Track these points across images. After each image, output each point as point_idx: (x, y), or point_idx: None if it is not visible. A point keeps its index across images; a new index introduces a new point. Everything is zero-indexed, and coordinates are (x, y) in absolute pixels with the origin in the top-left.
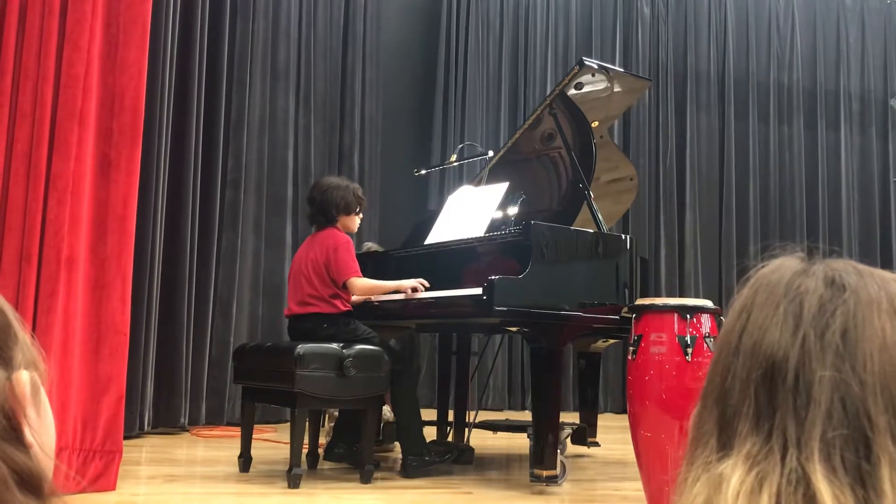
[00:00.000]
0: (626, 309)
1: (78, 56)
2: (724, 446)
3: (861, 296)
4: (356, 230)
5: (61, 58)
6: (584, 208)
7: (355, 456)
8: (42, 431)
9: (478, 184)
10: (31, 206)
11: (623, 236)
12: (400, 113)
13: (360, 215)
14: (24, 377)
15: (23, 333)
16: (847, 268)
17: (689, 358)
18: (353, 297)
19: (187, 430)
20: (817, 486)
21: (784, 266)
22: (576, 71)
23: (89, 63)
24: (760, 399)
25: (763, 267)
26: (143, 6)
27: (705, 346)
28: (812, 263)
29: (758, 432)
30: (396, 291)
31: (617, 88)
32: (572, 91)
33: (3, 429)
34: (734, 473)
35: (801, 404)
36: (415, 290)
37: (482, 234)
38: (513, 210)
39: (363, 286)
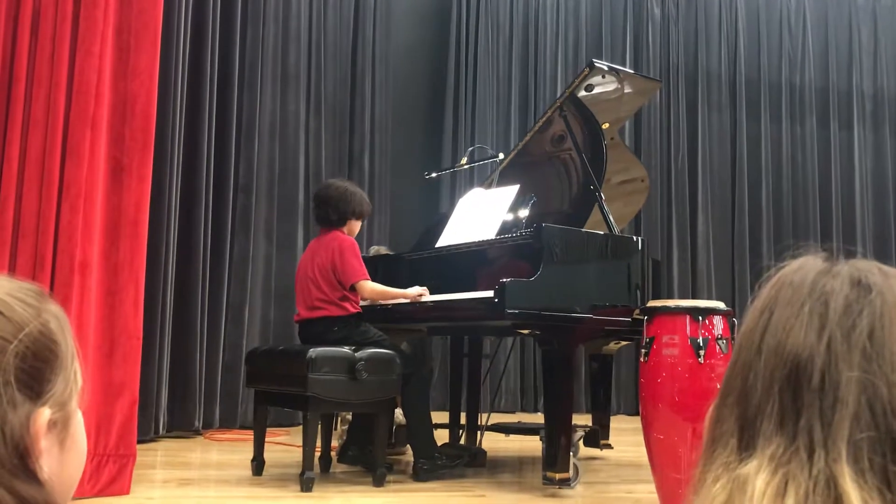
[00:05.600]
0: (638, 311)
1: (90, 62)
2: (747, 447)
3: (887, 297)
4: (355, 236)
5: (74, 64)
6: (596, 210)
7: (368, 459)
8: (66, 465)
9: (488, 186)
10: (45, 212)
11: (635, 238)
12: (410, 115)
13: (362, 222)
14: (43, 415)
15: (74, 363)
16: (872, 268)
17: (701, 360)
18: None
19: (201, 434)
20: (845, 489)
21: (807, 265)
22: (586, 72)
23: (101, 69)
24: (785, 399)
25: (785, 265)
26: (155, 12)
27: (717, 348)
28: (836, 263)
29: (782, 433)
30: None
31: (627, 90)
32: (582, 93)
33: (15, 466)
34: (759, 475)
35: (827, 405)
36: (419, 296)
37: (493, 237)
38: (524, 212)
39: (372, 290)
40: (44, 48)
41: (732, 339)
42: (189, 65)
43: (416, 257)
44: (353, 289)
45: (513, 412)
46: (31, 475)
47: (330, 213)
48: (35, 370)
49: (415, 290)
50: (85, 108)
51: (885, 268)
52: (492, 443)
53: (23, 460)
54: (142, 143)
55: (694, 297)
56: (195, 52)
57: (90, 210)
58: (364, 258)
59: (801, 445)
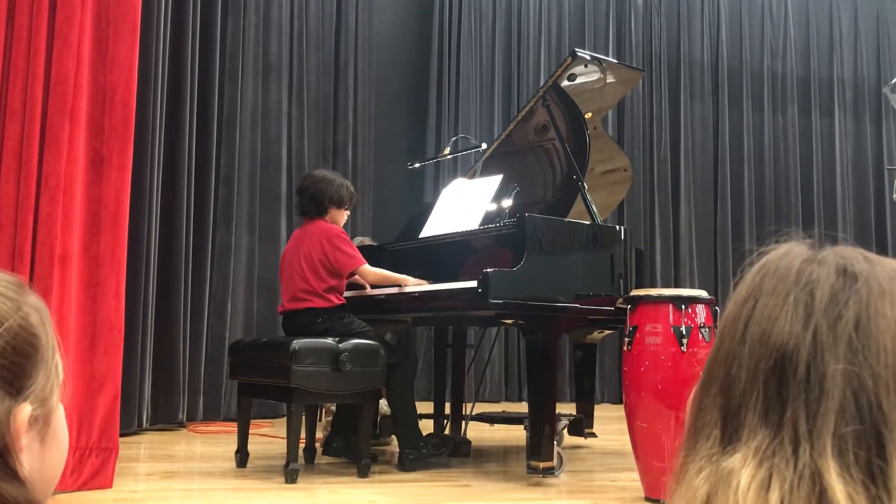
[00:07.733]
0: (621, 300)
1: (68, 53)
2: (731, 439)
3: (873, 286)
4: (342, 226)
5: (51, 55)
6: (579, 200)
7: (353, 450)
8: (47, 461)
9: (472, 176)
10: (24, 204)
11: (618, 227)
12: (394, 106)
13: (348, 212)
14: (24, 411)
15: (55, 357)
16: (857, 256)
17: (684, 348)
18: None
19: (185, 427)
20: (830, 484)
21: (792, 252)
22: (568, 62)
23: (79, 60)
24: (770, 391)
25: (769, 251)
26: (134, 2)
27: (700, 336)
28: (820, 251)
29: (767, 425)
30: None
31: (610, 79)
32: (565, 82)
33: None
34: (744, 469)
35: (812, 398)
36: (418, 284)
37: (477, 227)
38: (507, 202)
39: (375, 274)
40: (20, 38)
41: (715, 327)
42: (169, 55)
43: (399, 248)
44: (352, 276)
45: (497, 402)
46: (12, 473)
47: (308, 203)
48: (15, 365)
49: (414, 280)
50: (63, 99)
51: (870, 255)
52: (476, 432)
53: (3, 458)
54: (122, 134)
55: (677, 286)
56: (175, 42)
57: (70, 202)
58: None
59: (787, 438)
